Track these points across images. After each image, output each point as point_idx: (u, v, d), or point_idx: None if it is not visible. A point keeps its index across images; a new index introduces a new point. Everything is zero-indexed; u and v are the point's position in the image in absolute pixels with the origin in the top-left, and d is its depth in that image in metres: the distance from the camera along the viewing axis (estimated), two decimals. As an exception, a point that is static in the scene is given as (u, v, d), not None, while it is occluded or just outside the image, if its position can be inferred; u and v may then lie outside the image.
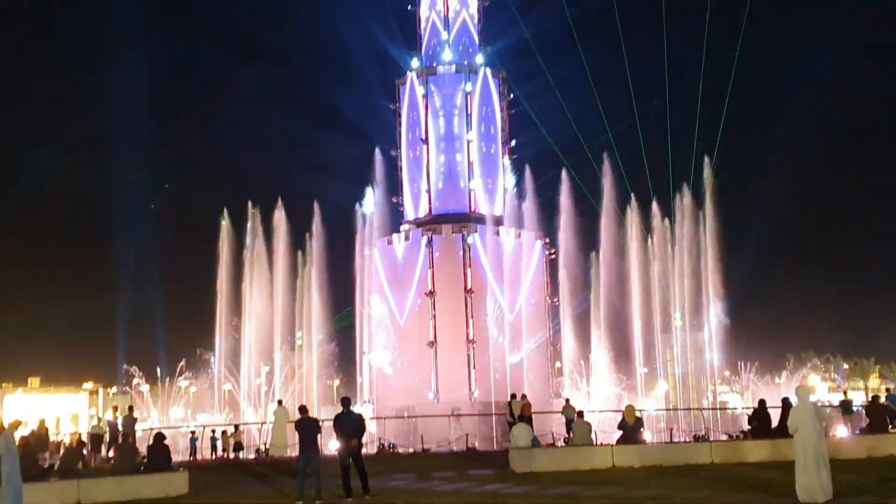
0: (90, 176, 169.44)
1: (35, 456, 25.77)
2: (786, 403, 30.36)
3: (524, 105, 63.78)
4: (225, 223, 62.52)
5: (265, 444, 41.57)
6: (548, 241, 59.89)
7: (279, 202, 61.53)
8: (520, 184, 60.61)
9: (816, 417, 18.92)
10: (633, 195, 64.29)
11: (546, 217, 60.07)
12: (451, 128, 59.58)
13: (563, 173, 60.90)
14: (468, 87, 59.73)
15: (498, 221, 58.39)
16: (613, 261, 64.37)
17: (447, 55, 61.16)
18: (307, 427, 22.21)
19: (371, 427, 43.86)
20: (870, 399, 34.04)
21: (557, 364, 61.71)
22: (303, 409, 22.94)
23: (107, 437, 40.09)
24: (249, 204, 62.80)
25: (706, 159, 60.30)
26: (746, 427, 34.39)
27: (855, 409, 43.54)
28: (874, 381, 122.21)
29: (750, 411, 35.03)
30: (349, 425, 21.99)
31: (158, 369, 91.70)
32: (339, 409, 22.61)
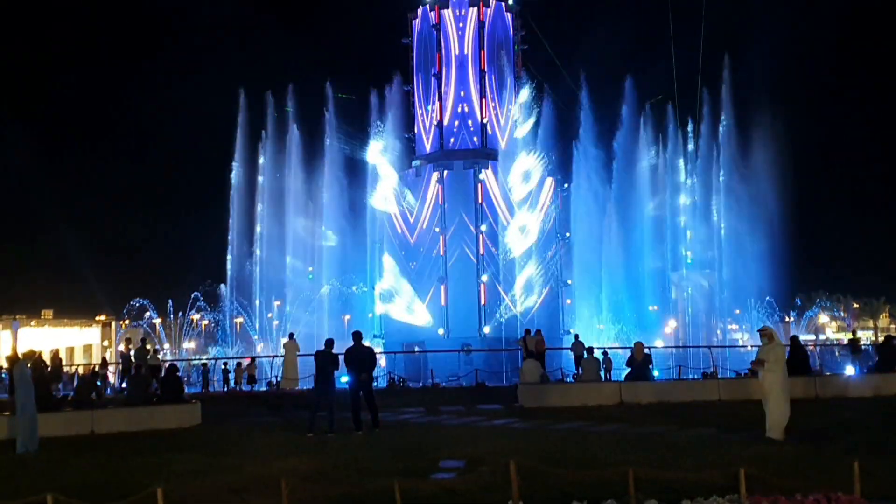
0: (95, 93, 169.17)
1: (49, 386, 26.05)
2: (794, 342, 30.43)
3: (538, 36, 63.13)
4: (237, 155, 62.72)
5: (276, 378, 41.94)
6: (559, 176, 59.69)
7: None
8: (533, 118, 60.22)
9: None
10: (645, 128, 64.11)
11: (559, 152, 59.84)
12: (464, 62, 59.01)
13: (578, 107, 60.68)
14: (481, 20, 58.99)
15: (510, 156, 58.07)
16: (625, 196, 64.33)
17: (460, -12, 60.37)
18: (328, 361, 22.26)
19: (381, 361, 44.16)
20: (883, 338, 34.04)
21: (568, 300, 61.87)
22: (328, 343, 22.74)
23: (120, 368, 40.61)
24: (262, 133, 63.03)
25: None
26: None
27: (864, 348, 43.69)
28: (884, 321, 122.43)
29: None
30: (360, 359, 22.14)
31: (170, 301, 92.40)
32: (351, 343, 22.70)
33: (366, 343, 23.67)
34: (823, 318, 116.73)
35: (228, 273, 63.51)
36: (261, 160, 62.58)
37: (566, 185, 60.45)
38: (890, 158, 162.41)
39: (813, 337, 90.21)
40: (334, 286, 60.96)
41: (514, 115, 59.73)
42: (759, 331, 19.84)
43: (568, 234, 60.29)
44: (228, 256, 62.96)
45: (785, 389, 18.94)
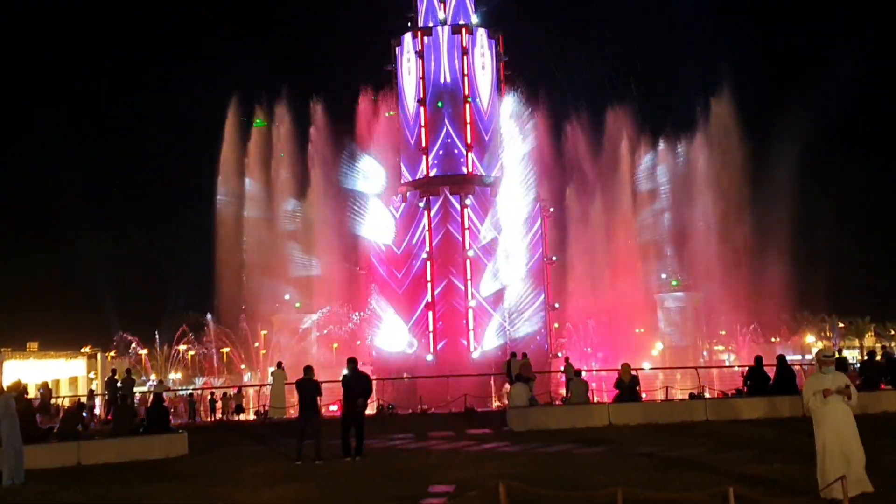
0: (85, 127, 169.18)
1: (34, 417, 25.89)
2: (781, 361, 30.39)
3: (519, 65, 63.55)
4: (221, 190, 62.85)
5: (264, 406, 41.77)
6: (545, 200, 59.82)
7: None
8: (517, 144, 60.45)
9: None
10: (625, 151, 64.54)
11: (544, 177, 60.02)
12: (448, 88, 59.20)
13: (561, 133, 60.99)
14: (464, 47, 59.29)
15: (496, 182, 58.25)
16: (610, 221, 64.62)
17: (442, 15, 60.70)
18: (308, 388, 22.24)
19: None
20: (866, 356, 34.09)
21: (556, 324, 61.89)
22: (307, 370, 22.77)
23: (106, 399, 40.37)
24: (245, 161, 63.19)
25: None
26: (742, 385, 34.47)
27: (850, 366, 43.74)
28: (869, 340, 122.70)
29: (745, 369, 35.14)
30: (356, 385, 22.11)
31: (157, 334, 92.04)
32: (344, 371, 22.70)
33: (361, 369, 23.66)
34: (809, 337, 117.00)
35: (214, 303, 63.43)
36: (246, 185, 62.82)
37: (551, 210, 60.59)
38: (875, 179, 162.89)
39: (799, 357, 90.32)
40: (323, 314, 60.92)
41: (500, 141, 59.92)
42: (825, 355, 15.70)
43: (555, 258, 60.39)
44: (215, 285, 62.89)
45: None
